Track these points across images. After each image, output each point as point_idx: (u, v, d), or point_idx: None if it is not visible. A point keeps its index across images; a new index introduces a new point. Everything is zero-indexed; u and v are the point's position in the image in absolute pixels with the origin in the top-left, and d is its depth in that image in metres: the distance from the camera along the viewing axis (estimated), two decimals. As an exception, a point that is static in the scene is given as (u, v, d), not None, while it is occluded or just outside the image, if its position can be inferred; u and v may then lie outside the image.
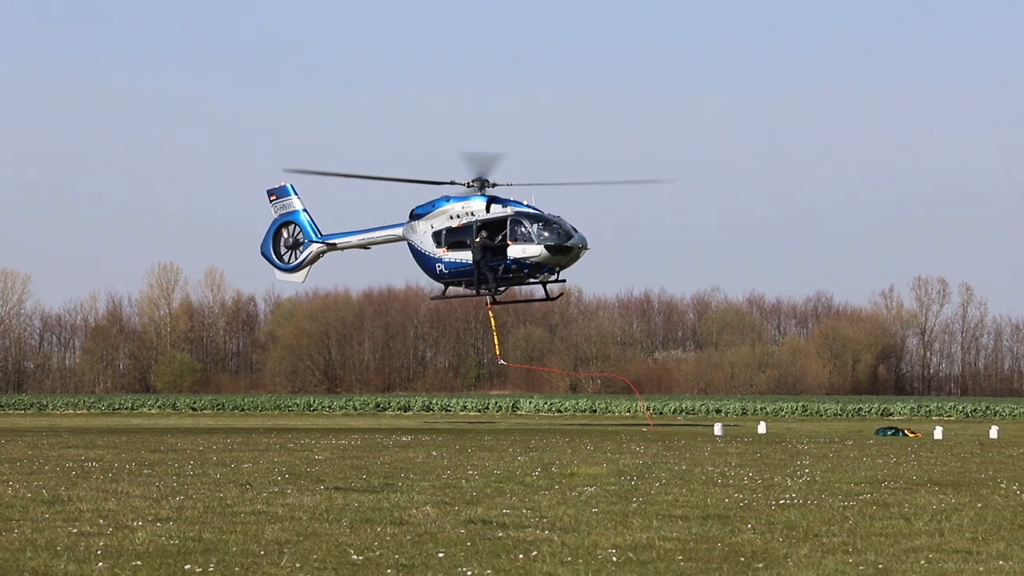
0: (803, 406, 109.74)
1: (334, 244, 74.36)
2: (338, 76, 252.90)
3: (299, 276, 76.31)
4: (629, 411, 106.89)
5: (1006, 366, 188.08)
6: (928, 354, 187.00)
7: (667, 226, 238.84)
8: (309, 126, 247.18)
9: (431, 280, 71.92)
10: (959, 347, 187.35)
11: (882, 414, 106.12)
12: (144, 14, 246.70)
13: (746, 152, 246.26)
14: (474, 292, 69.52)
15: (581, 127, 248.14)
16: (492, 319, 72.91)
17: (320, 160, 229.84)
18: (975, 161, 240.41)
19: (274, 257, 75.67)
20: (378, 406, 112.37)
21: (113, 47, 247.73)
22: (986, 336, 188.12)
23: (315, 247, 74.46)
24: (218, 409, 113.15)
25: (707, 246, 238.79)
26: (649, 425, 77.24)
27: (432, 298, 78.98)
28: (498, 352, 76.88)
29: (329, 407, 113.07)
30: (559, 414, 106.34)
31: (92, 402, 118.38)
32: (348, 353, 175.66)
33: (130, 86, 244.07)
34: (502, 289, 69.41)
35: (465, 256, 68.19)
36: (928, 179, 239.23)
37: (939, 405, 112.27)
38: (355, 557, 17.85)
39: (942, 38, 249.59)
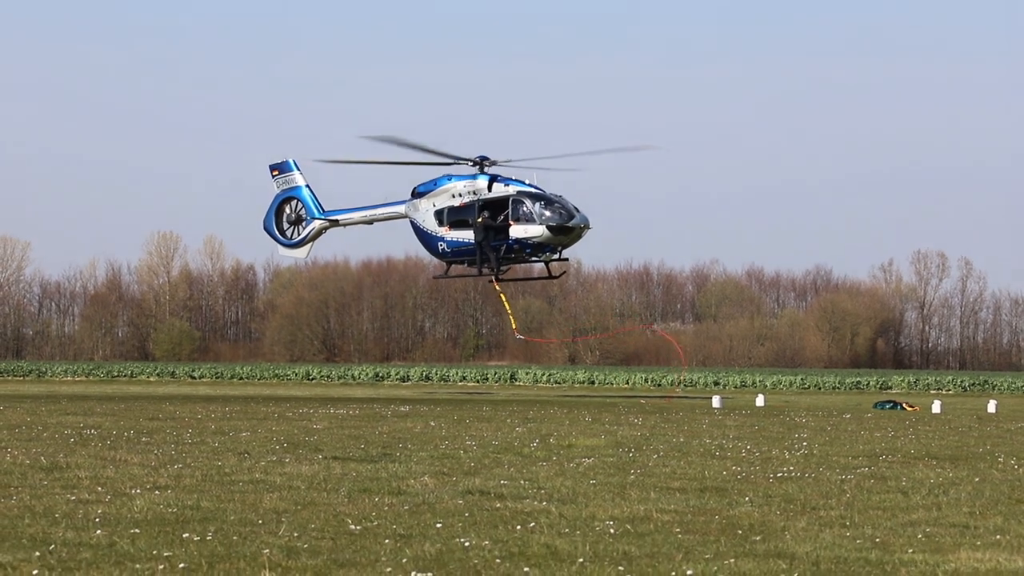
0: (802, 379, 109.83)
1: (336, 220, 74.31)
2: (338, 48, 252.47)
3: (302, 252, 76.31)
4: (627, 383, 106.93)
5: (1005, 340, 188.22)
6: (927, 328, 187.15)
7: (667, 198, 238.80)
8: (309, 96, 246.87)
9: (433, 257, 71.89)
10: (958, 321, 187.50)
11: (881, 388, 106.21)
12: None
13: (746, 124, 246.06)
14: (476, 271, 69.57)
15: (579, 100, 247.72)
16: (503, 296, 72.93)
17: (318, 130, 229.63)
18: (975, 135, 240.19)
19: (276, 233, 75.60)
20: (377, 376, 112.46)
21: (113, 15, 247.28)
22: (985, 310, 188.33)
23: (317, 223, 74.37)
24: (217, 377, 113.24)
25: (707, 219, 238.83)
26: (661, 397, 77.26)
27: (435, 277, 78.77)
28: (515, 327, 76.95)
29: (328, 377, 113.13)
30: (557, 385, 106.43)
31: (91, 369, 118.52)
32: (347, 323, 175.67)
33: (129, 55, 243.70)
34: (504, 269, 69.43)
35: (467, 235, 68.08)
36: (928, 153, 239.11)
37: (937, 379, 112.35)
38: (353, 527, 17.86)
39: (940, 10, 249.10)
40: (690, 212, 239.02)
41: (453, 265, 71.05)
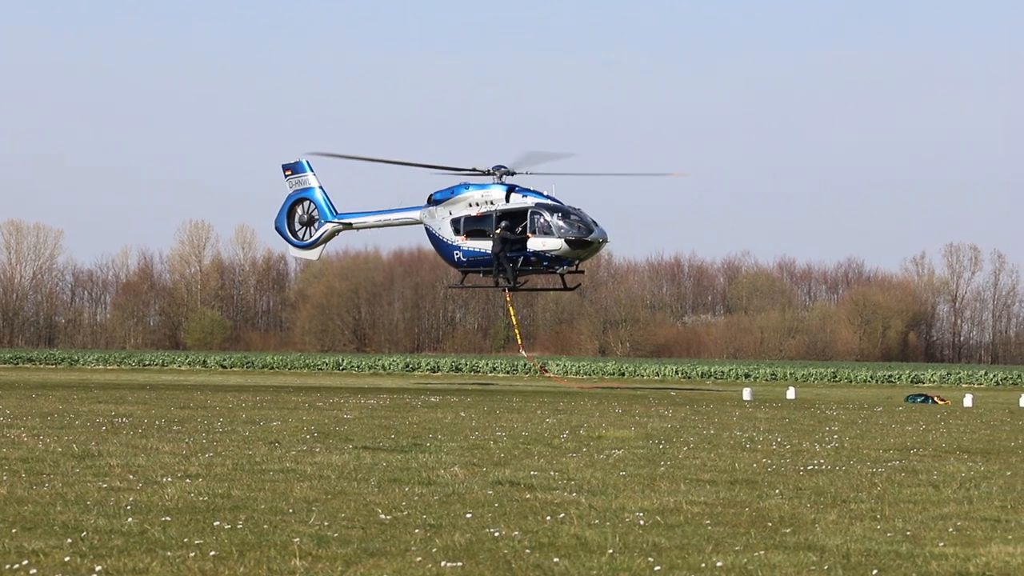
0: (833, 372, 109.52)
1: (350, 224, 74.19)
2: (362, 49, 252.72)
3: (313, 253, 76.27)
4: (657, 375, 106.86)
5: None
6: (959, 321, 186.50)
7: (698, 189, 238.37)
8: (335, 88, 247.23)
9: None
10: (990, 315, 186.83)
11: (912, 381, 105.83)
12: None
13: (778, 116, 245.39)
14: (493, 283, 69.67)
15: (608, 92, 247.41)
16: (511, 310, 73.51)
17: (343, 123, 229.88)
18: (1009, 126, 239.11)
19: (288, 233, 75.44)
20: (407, 366, 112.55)
21: (144, 10, 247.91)
22: (1018, 304, 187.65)
23: (330, 226, 74.22)
24: (247, 367, 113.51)
25: (738, 210, 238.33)
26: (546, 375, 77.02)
27: (449, 287, 78.83)
28: (520, 342, 77.24)
29: (358, 367, 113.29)
30: (587, 376, 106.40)
31: (123, 358, 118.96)
32: (378, 313, 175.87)
33: (161, 44, 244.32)
34: (521, 280, 69.60)
35: (483, 245, 68.13)
36: (960, 145, 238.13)
37: (969, 373, 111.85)
38: (383, 516, 17.89)
39: (972, 4, 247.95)
40: (721, 204, 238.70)
41: (468, 275, 71.01)
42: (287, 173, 75.68)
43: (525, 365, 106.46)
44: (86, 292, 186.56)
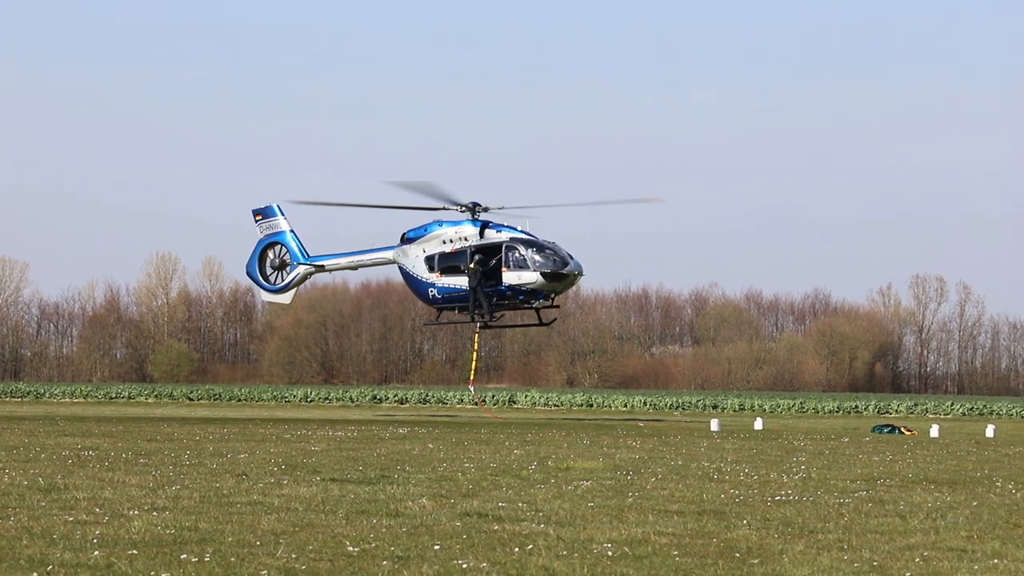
0: (800, 403, 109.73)
1: (322, 266, 74.04)
2: (343, 73, 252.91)
3: (286, 297, 76.01)
4: (625, 406, 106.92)
5: (1003, 365, 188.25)
6: (925, 352, 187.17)
7: (666, 221, 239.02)
8: (305, 121, 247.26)
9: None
10: (956, 346, 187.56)
11: (879, 412, 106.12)
12: (146, 8, 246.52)
13: (745, 148, 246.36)
14: (468, 318, 69.57)
15: (580, 124, 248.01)
16: (476, 344, 73.60)
17: (313, 157, 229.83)
18: (974, 159, 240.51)
19: (260, 278, 75.13)
20: (375, 398, 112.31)
21: (111, 40, 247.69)
22: (983, 335, 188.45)
23: (302, 269, 74.04)
24: (215, 399, 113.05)
25: (706, 242, 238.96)
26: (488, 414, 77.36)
27: (425, 324, 78.71)
28: (472, 378, 76.96)
29: (326, 399, 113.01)
30: (556, 408, 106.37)
31: (89, 391, 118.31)
32: (346, 345, 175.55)
33: (129, 78, 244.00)
34: (497, 316, 69.59)
35: (458, 281, 68.09)
36: (927, 177, 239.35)
37: (936, 403, 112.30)
38: (351, 549, 17.87)
39: (940, 34, 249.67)
40: (689, 235, 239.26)
41: (444, 311, 70.95)
42: (257, 218, 75.45)
43: (483, 397, 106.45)
44: (52, 325, 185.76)
